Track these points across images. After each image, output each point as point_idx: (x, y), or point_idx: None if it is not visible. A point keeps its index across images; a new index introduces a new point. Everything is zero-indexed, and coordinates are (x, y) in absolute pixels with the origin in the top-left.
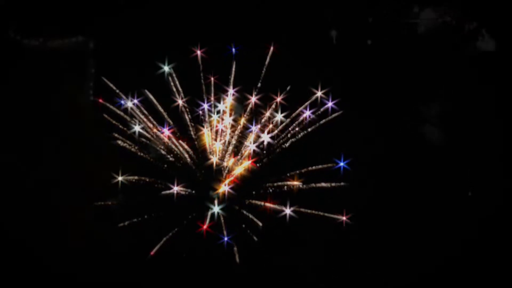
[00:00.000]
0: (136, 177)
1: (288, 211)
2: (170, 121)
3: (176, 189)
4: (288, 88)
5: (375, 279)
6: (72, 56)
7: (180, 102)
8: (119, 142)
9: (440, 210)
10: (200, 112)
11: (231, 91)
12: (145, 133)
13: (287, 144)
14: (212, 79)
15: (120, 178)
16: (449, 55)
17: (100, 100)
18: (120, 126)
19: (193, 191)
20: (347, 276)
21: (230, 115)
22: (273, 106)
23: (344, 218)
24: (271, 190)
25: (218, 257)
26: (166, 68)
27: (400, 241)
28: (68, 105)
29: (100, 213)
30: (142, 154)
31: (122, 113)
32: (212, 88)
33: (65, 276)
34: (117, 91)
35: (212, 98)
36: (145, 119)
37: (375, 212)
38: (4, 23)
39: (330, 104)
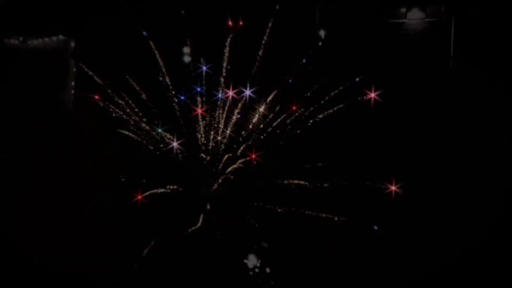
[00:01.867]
0: (127, 176)
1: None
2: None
3: (161, 189)
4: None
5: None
6: (53, 55)
7: (160, 78)
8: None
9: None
10: (182, 98)
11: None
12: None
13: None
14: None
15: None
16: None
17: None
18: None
19: (184, 189)
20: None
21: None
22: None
23: (375, 227)
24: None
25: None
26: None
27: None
28: (50, 103)
29: (96, 211)
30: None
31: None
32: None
33: (61, 277)
34: (95, 77)
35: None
36: (128, 110)
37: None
38: None
39: (356, 80)
